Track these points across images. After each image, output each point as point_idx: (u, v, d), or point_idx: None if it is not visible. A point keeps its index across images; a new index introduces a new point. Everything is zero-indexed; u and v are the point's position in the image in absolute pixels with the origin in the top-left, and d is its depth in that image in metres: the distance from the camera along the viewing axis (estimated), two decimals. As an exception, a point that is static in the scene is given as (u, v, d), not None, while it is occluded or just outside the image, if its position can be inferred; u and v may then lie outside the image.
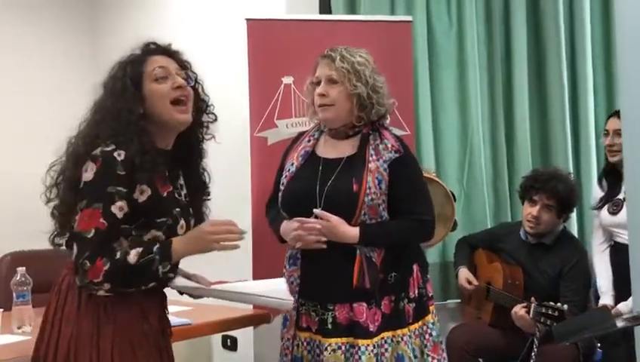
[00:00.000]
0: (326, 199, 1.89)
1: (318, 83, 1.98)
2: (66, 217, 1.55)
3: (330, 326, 1.88)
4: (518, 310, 2.48)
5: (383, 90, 1.98)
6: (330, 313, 1.88)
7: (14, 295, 2.26)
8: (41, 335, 1.61)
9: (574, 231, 3.08)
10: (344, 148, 1.97)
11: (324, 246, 1.86)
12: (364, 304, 1.87)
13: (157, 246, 1.49)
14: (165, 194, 1.56)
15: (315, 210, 1.87)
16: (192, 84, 1.64)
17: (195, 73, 1.66)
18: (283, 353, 1.99)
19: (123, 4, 3.90)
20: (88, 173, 1.49)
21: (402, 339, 1.90)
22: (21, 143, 3.67)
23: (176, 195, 1.61)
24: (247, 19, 2.79)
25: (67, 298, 1.57)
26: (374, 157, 1.91)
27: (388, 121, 2.06)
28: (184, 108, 1.58)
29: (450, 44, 3.18)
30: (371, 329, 1.87)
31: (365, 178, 1.88)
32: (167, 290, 1.67)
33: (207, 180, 1.69)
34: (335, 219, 1.86)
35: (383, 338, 1.88)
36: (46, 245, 1.62)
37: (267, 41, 2.77)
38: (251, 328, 2.80)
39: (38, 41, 3.84)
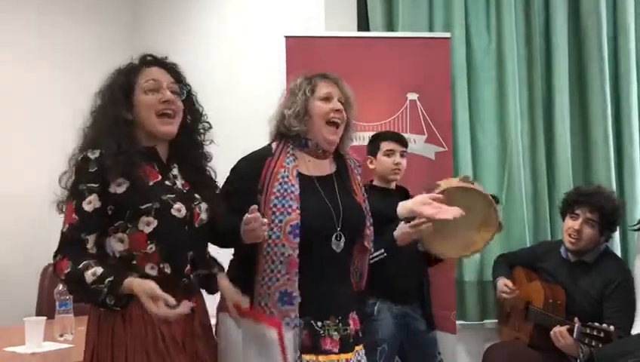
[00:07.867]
0: (344, 216, 1.85)
1: (326, 99, 1.92)
2: None
3: (352, 339, 1.90)
4: (560, 330, 2.41)
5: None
6: (349, 327, 1.89)
7: (57, 304, 2.33)
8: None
9: (617, 252, 3.00)
10: (324, 167, 1.94)
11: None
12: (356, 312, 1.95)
13: (111, 278, 1.51)
14: (152, 183, 1.63)
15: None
16: (184, 97, 1.69)
17: (188, 86, 1.72)
18: None
19: (162, 28, 3.99)
20: (72, 175, 1.61)
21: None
22: (63, 149, 3.67)
23: (168, 183, 1.66)
24: (287, 37, 2.84)
25: (93, 308, 1.62)
26: (352, 169, 1.98)
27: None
28: (169, 121, 1.65)
29: (489, 61, 3.16)
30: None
31: (358, 189, 1.95)
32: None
33: (214, 176, 1.77)
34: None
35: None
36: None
37: (306, 57, 2.80)
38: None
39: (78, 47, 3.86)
